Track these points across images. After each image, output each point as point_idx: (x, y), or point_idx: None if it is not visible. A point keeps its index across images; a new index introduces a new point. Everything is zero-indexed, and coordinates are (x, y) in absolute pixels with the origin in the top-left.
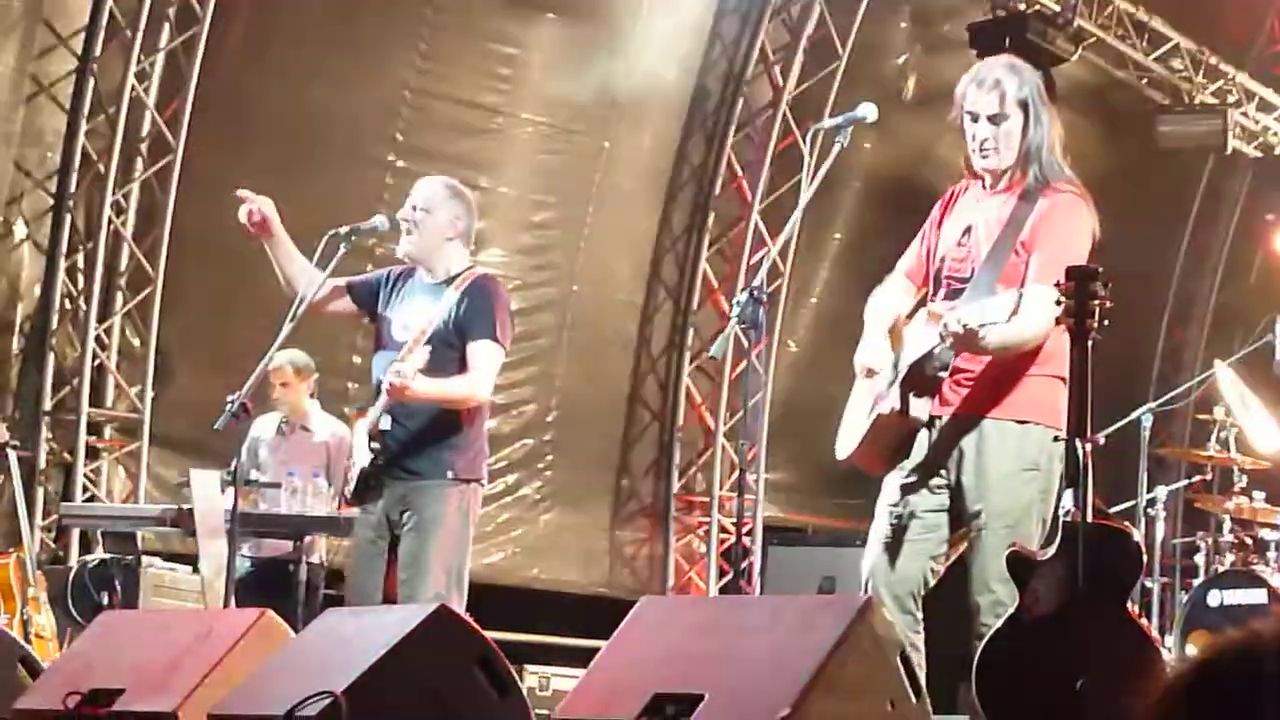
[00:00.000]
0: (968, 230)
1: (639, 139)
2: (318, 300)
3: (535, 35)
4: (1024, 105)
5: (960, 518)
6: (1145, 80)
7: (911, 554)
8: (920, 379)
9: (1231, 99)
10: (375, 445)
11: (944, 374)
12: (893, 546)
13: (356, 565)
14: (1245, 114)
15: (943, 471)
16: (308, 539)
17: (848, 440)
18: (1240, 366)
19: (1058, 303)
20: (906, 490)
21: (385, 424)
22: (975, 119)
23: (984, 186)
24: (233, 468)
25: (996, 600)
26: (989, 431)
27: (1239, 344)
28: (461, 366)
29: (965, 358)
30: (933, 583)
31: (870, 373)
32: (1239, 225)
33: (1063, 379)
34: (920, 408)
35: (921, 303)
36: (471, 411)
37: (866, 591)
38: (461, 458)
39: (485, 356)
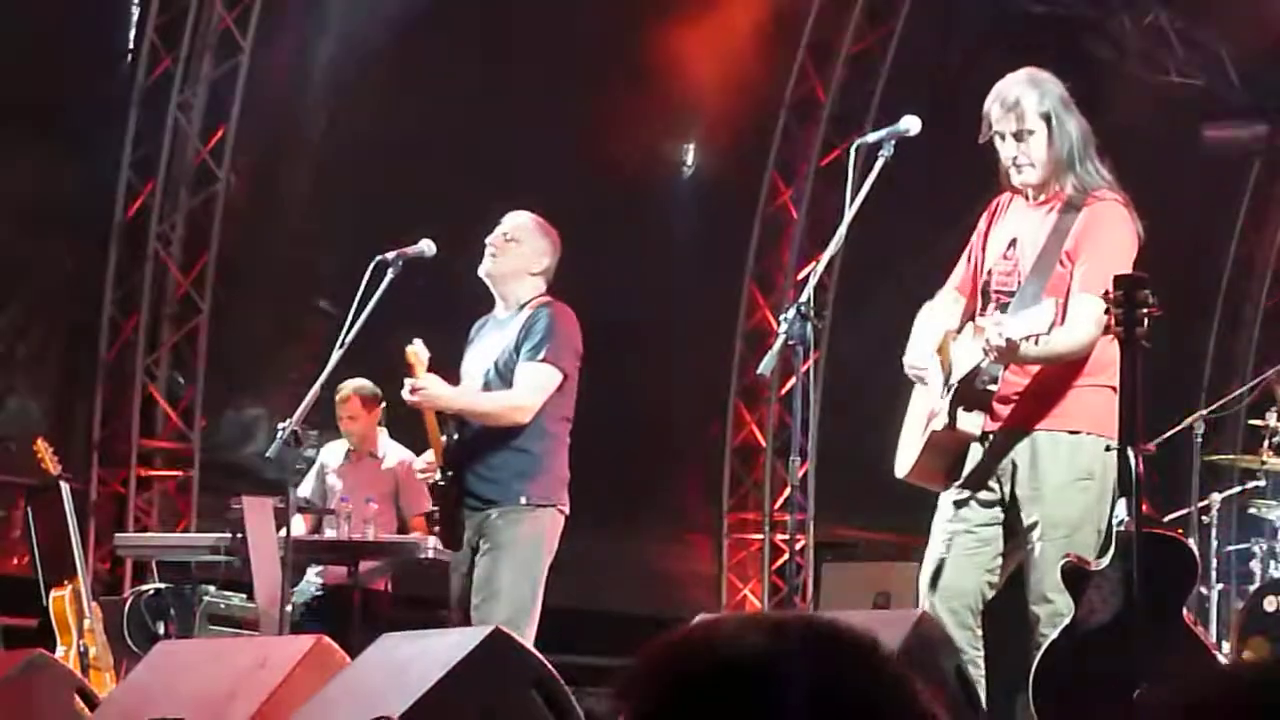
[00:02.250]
0: (1013, 243)
1: (683, 156)
2: None
3: (577, 53)
4: (1046, 118)
5: (1014, 531)
6: (1188, 85)
7: (968, 569)
8: (970, 394)
9: (1275, 103)
10: (449, 472)
11: (993, 388)
12: (949, 563)
13: (456, 596)
14: None
15: (994, 485)
16: (372, 565)
17: (905, 459)
18: None
19: (1106, 312)
20: (960, 506)
21: (454, 451)
22: (1003, 138)
23: (1026, 199)
24: (286, 495)
25: (1055, 610)
26: (1042, 443)
27: None
28: None
29: (1014, 371)
30: (990, 596)
31: (918, 378)
32: None
33: (1113, 388)
34: (972, 423)
35: (970, 317)
36: (541, 438)
37: (923, 608)
38: (534, 484)
39: (530, 375)
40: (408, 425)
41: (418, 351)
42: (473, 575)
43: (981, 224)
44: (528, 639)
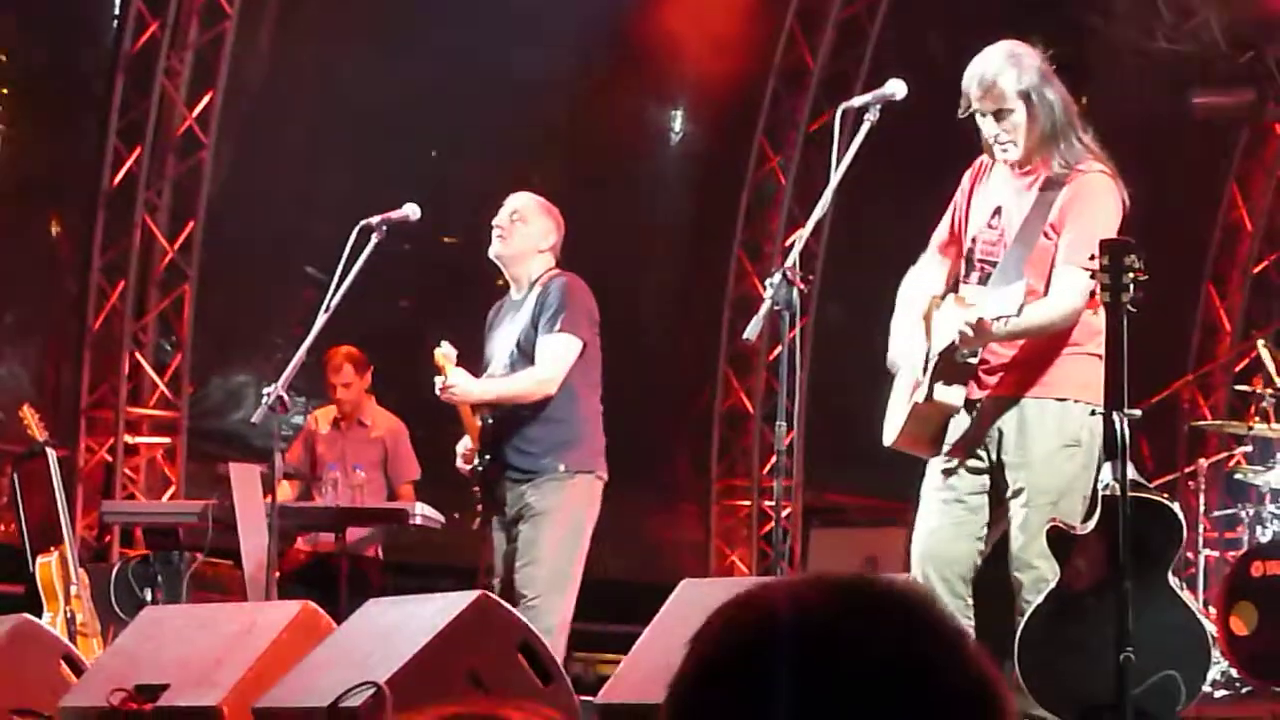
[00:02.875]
0: (998, 212)
1: (671, 123)
2: None
3: (564, 22)
4: (1025, 96)
5: (1000, 497)
6: (1177, 52)
7: (959, 537)
8: (950, 367)
9: (1264, 69)
10: (488, 456)
11: (973, 360)
12: (940, 532)
13: (495, 563)
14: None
15: (981, 453)
16: (362, 532)
17: (892, 427)
18: (1278, 336)
19: (1093, 277)
20: (949, 474)
21: (497, 432)
22: (984, 115)
23: (1011, 166)
24: (272, 462)
25: (1039, 576)
26: (1029, 410)
27: (1277, 314)
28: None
29: (1002, 341)
30: (979, 563)
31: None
32: (1276, 195)
33: (1101, 356)
34: (954, 394)
35: (955, 284)
36: (573, 407)
37: (915, 576)
38: (573, 451)
39: (549, 346)
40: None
41: (446, 353)
42: (515, 544)
43: (965, 182)
44: (568, 605)
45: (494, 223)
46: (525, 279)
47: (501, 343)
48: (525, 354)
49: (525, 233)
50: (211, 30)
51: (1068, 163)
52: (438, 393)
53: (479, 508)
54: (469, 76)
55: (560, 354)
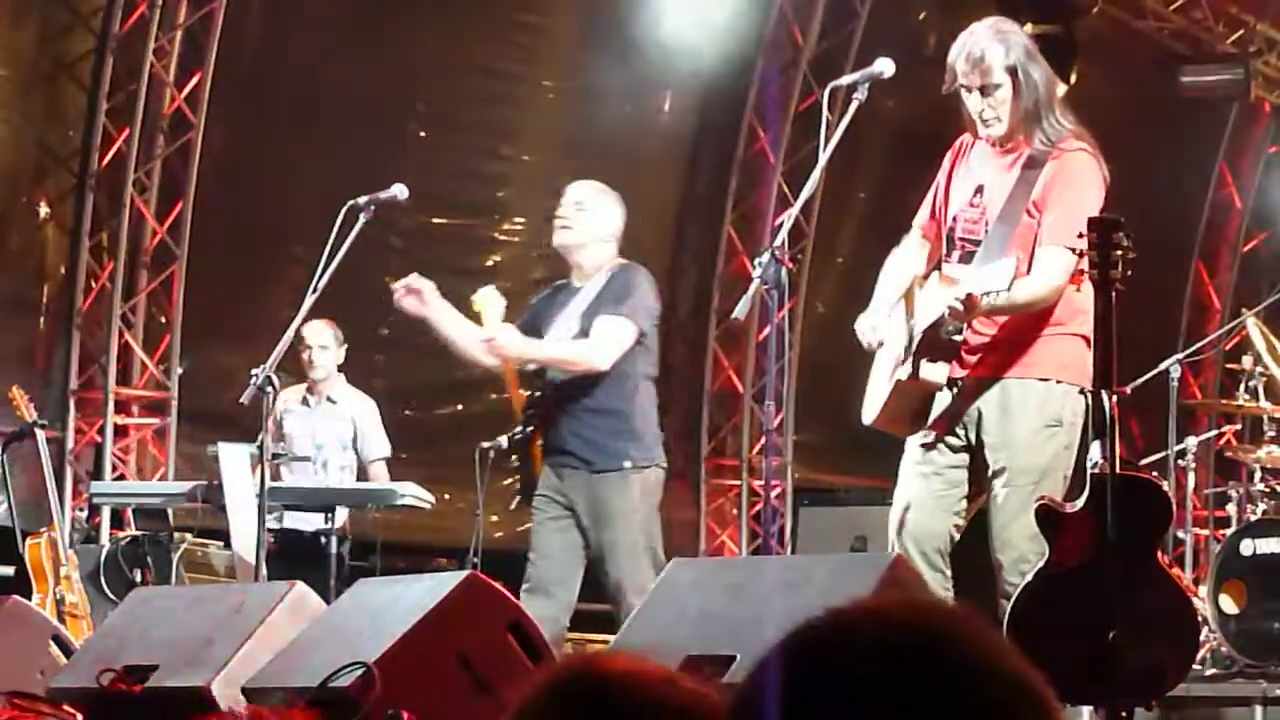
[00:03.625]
0: (979, 190)
1: (660, 103)
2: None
3: (554, 1)
4: (1012, 71)
5: (979, 476)
6: (1166, 30)
7: (937, 511)
8: (935, 344)
9: (1252, 48)
10: (522, 431)
11: (958, 337)
12: (919, 506)
13: (545, 551)
14: (1267, 62)
15: (960, 432)
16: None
17: (872, 406)
18: (1268, 314)
19: (1080, 254)
20: (928, 449)
21: (544, 408)
22: (969, 91)
23: (991, 144)
24: (260, 442)
25: (1020, 557)
26: (1011, 390)
27: (1267, 292)
28: None
29: (983, 320)
30: (956, 539)
31: (870, 344)
32: (1265, 173)
33: (1084, 336)
34: (937, 372)
35: (937, 264)
36: (633, 397)
37: (894, 550)
38: (636, 445)
39: (605, 326)
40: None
41: (486, 298)
42: (578, 534)
43: (946, 163)
44: None
45: (557, 213)
46: (590, 267)
47: (560, 327)
48: (586, 334)
49: (589, 221)
50: (201, 10)
51: (1049, 140)
52: (481, 341)
53: (519, 486)
54: (459, 56)
55: (616, 336)
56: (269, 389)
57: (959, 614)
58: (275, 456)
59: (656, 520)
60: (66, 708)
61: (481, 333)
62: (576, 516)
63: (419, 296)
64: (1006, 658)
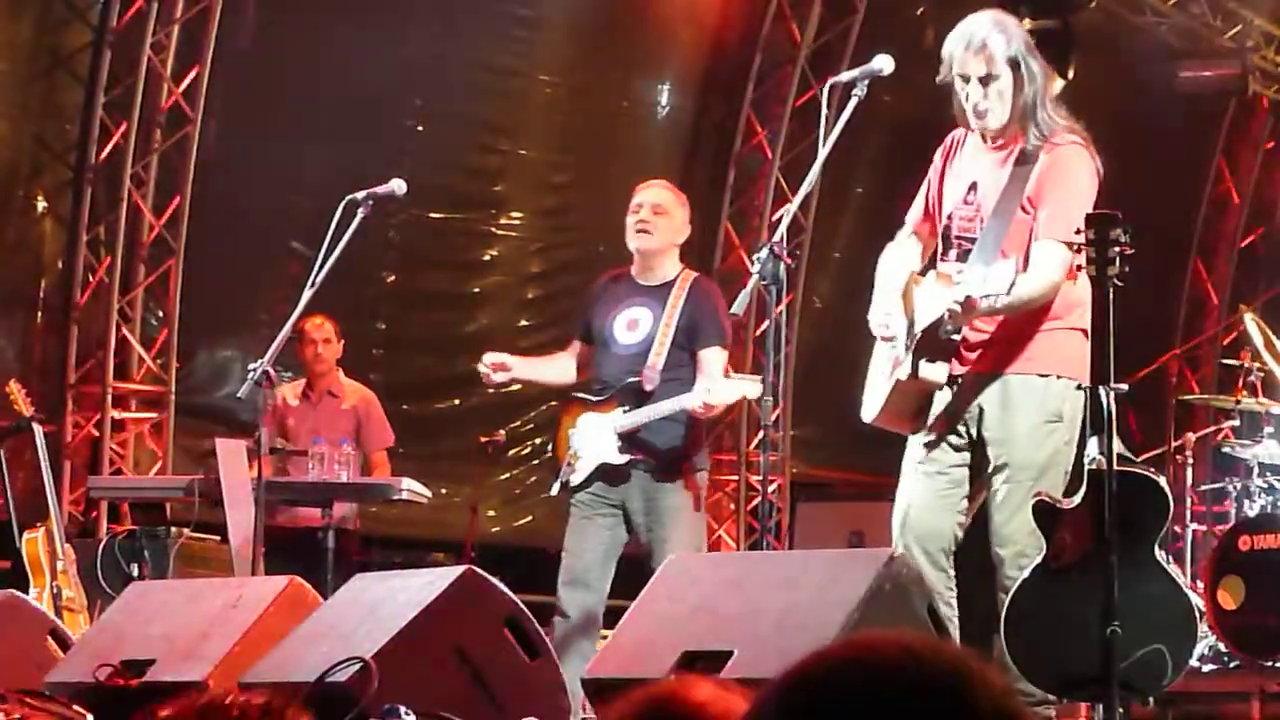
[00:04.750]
0: (973, 187)
1: (657, 98)
2: (581, 368)
3: None
4: (1014, 63)
5: (980, 472)
6: (1163, 26)
7: (941, 510)
8: (934, 343)
9: (1250, 42)
10: (622, 445)
11: (956, 337)
12: (923, 505)
13: (584, 545)
14: (1264, 57)
15: (961, 428)
16: (340, 507)
17: (872, 404)
18: (1265, 309)
19: (1077, 250)
20: (930, 448)
21: (635, 426)
22: (966, 80)
23: (984, 140)
24: (258, 436)
25: (1019, 552)
26: (1012, 386)
27: (1264, 287)
28: (693, 366)
29: (982, 317)
30: (960, 537)
31: (885, 338)
32: (1263, 168)
33: (1083, 330)
34: (937, 371)
35: (932, 261)
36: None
37: (897, 549)
38: (696, 452)
39: (718, 361)
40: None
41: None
42: (627, 531)
43: (937, 160)
44: None
45: (637, 216)
46: (660, 270)
47: (632, 328)
48: (682, 351)
49: (669, 226)
50: (198, 5)
51: (1042, 135)
52: (702, 409)
53: (571, 479)
54: (455, 51)
55: (722, 367)
56: (266, 383)
57: (957, 657)
58: (272, 451)
59: (703, 520)
60: (77, 708)
61: (695, 400)
62: (627, 515)
63: (503, 367)
64: (1008, 700)
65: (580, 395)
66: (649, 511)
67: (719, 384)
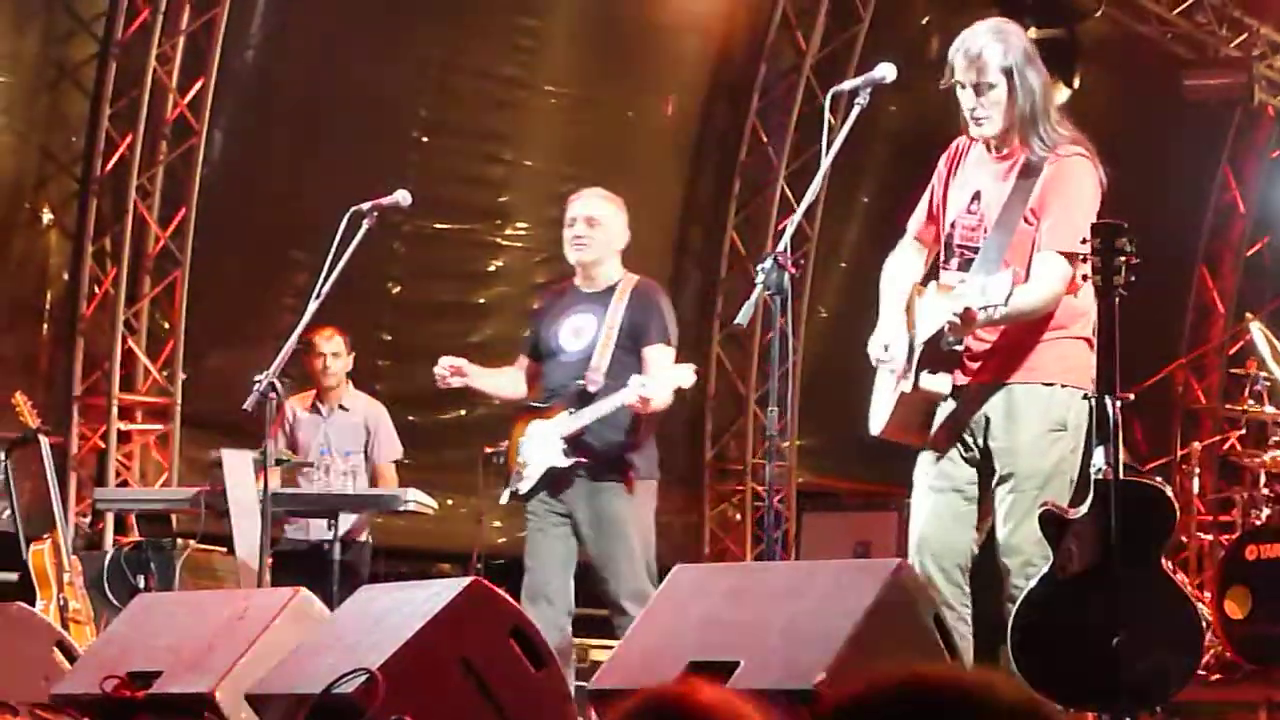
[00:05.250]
0: (976, 197)
1: (662, 108)
2: (530, 384)
3: (555, 6)
4: (1008, 72)
5: (988, 483)
6: (1169, 35)
7: (955, 527)
8: (937, 355)
9: (1256, 51)
10: (568, 448)
11: (959, 348)
12: (937, 523)
13: (541, 558)
14: (1270, 66)
15: (968, 439)
16: (352, 518)
17: (879, 417)
18: (1272, 318)
19: (1081, 260)
20: (941, 464)
21: (580, 429)
22: (964, 87)
23: (988, 149)
24: (264, 448)
25: (1026, 561)
26: (1016, 396)
27: (1271, 296)
28: (639, 367)
29: (985, 327)
30: (975, 553)
31: (883, 365)
32: (1269, 177)
33: (1086, 339)
34: (940, 383)
35: (934, 268)
36: (650, 415)
37: (914, 569)
38: (641, 458)
39: (664, 361)
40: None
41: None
42: (577, 540)
43: (941, 167)
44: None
45: (572, 230)
46: (602, 279)
47: (578, 335)
48: (626, 354)
49: (604, 237)
50: (203, 16)
51: (1046, 145)
52: (639, 404)
53: (519, 488)
54: (460, 62)
55: (669, 366)
56: (272, 395)
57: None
58: (278, 462)
59: (651, 529)
60: None
61: (630, 394)
62: (575, 524)
63: (459, 372)
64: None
65: (531, 404)
66: (593, 522)
67: (654, 377)
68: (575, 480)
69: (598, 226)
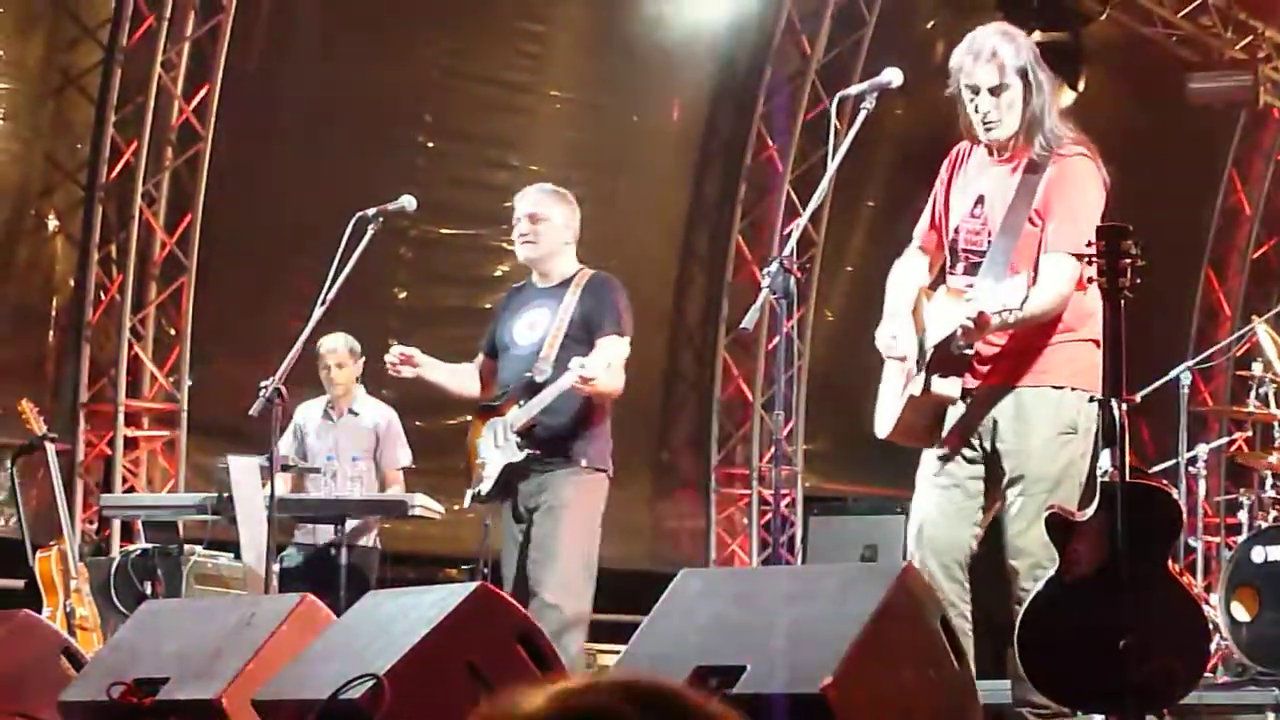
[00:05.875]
0: (979, 200)
1: (668, 112)
2: (485, 382)
3: (560, 11)
4: (1023, 73)
5: (995, 485)
6: (1174, 38)
7: (957, 523)
8: (946, 359)
9: (1261, 54)
10: (521, 441)
11: (969, 352)
12: (938, 518)
13: (510, 563)
14: (1275, 68)
15: (975, 441)
16: (357, 523)
17: (885, 420)
18: (1278, 320)
19: (1088, 261)
20: (945, 461)
21: (529, 421)
22: (976, 91)
23: (990, 153)
24: (271, 454)
25: (1035, 564)
26: (1026, 399)
27: (1277, 298)
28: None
29: (994, 331)
30: (975, 549)
31: (893, 355)
32: (1275, 179)
33: (1095, 341)
34: (950, 386)
35: (940, 276)
36: (602, 406)
37: (913, 563)
38: (593, 447)
39: (617, 351)
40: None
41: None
42: (529, 534)
43: (943, 173)
44: (586, 597)
45: (518, 230)
46: (557, 274)
47: (530, 330)
48: (578, 344)
49: (550, 231)
50: (208, 23)
51: (1048, 146)
52: (581, 385)
53: (480, 491)
54: (465, 67)
55: (622, 356)
56: (279, 401)
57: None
58: (285, 468)
59: (597, 524)
60: None
61: (570, 377)
62: (527, 515)
63: (410, 361)
64: None
65: (485, 404)
66: (537, 507)
67: (591, 357)
68: (530, 474)
69: (541, 222)
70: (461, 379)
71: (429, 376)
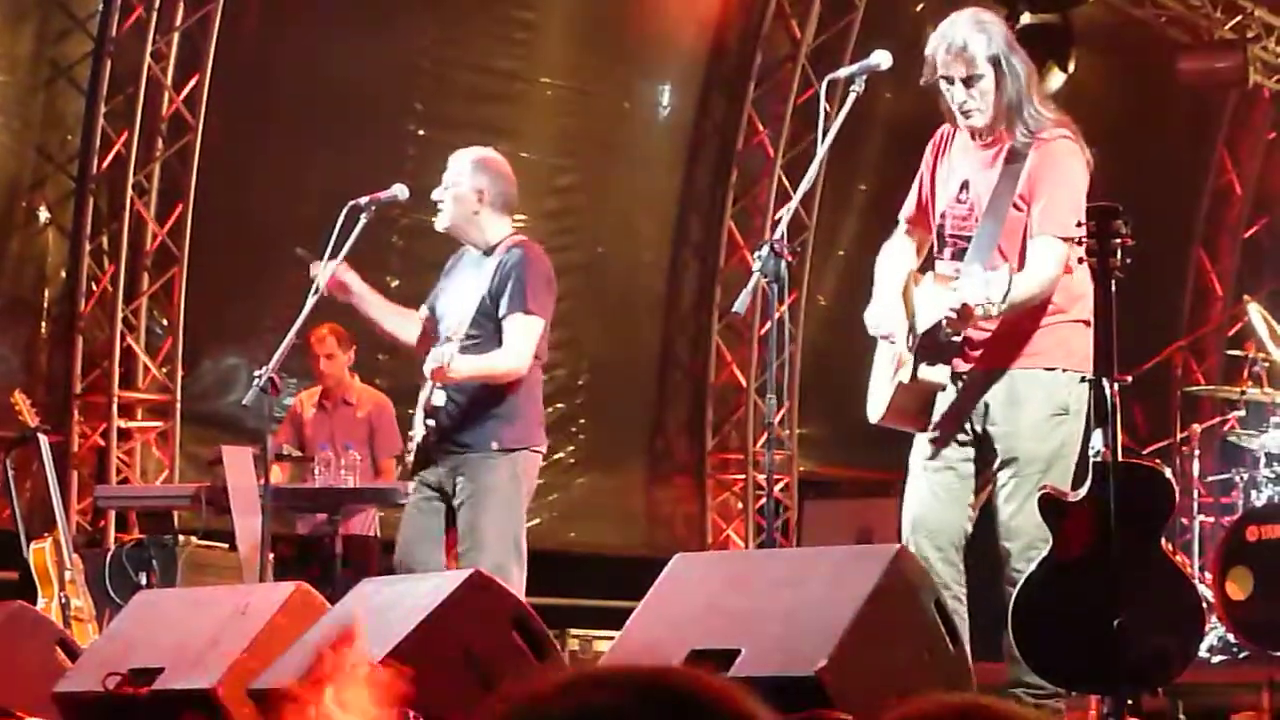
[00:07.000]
0: (965, 186)
1: (659, 98)
2: (424, 335)
3: None
4: (995, 61)
5: (987, 468)
6: (1163, 18)
7: (950, 505)
8: (935, 345)
9: (1251, 34)
10: (430, 421)
11: (957, 339)
12: (932, 501)
13: (407, 533)
14: (1265, 48)
15: (967, 425)
16: (355, 512)
17: (877, 404)
18: (1269, 300)
19: (1077, 243)
20: (937, 444)
21: (438, 399)
22: (950, 82)
23: (972, 137)
24: (265, 443)
25: (1028, 545)
26: (1018, 381)
27: (1268, 278)
28: (498, 337)
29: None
30: (969, 531)
31: (884, 338)
32: (1266, 159)
33: (1086, 322)
34: (938, 373)
35: (929, 261)
36: (515, 382)
37: (908, 547)
38: (508, 427)
39: (518, 330)
40: (372, 370)
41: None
42: (447, 517)
43: (927, 156)
44: (517, 583)
45: (434, 195)
46: (481, 242)
47: (457, 302)
48: (489, 316)
49: (459, 198)
50: (198, 12)
51: (1030, 131)
52: (429, 370)
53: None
54: (456, 54)
55: (531, 335)
56: (272, 390)
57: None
58: (279, 457)
59: (521, 505)
60: None
61: (437, 351)
62: (445, 498)
63: (342, 288)
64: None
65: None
66: (459, 495)
67: (449, 349)
68: (441, 453)
69: (448, 190)
70: (399, 323)
71: (366, 311)
